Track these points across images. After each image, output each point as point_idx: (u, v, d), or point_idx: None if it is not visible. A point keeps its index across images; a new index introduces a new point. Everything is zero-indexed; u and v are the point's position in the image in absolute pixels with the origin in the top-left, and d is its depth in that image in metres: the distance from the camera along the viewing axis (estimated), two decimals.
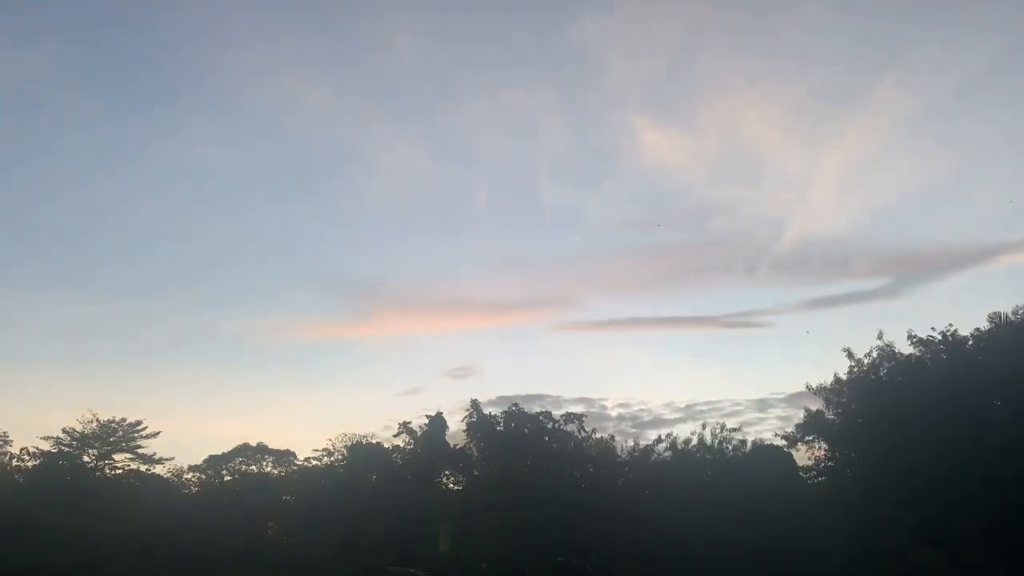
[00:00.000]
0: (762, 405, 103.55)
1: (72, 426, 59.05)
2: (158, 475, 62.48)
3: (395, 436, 59.69)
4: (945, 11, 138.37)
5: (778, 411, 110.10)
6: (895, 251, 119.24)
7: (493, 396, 64.22)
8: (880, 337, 46.64)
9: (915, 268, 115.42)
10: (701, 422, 60.65)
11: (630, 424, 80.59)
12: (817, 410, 48.72)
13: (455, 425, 58.71)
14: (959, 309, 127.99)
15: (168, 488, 62.73)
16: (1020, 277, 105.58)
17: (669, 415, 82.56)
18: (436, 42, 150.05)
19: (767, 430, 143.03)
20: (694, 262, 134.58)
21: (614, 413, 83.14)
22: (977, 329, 45.32)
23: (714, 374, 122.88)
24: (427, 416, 58.92)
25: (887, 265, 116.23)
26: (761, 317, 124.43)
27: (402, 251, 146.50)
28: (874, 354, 46.77)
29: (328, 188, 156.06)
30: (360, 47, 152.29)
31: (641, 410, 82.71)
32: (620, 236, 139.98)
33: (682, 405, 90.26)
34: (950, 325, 45.45)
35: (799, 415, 50.25)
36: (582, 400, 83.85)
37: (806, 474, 53.19)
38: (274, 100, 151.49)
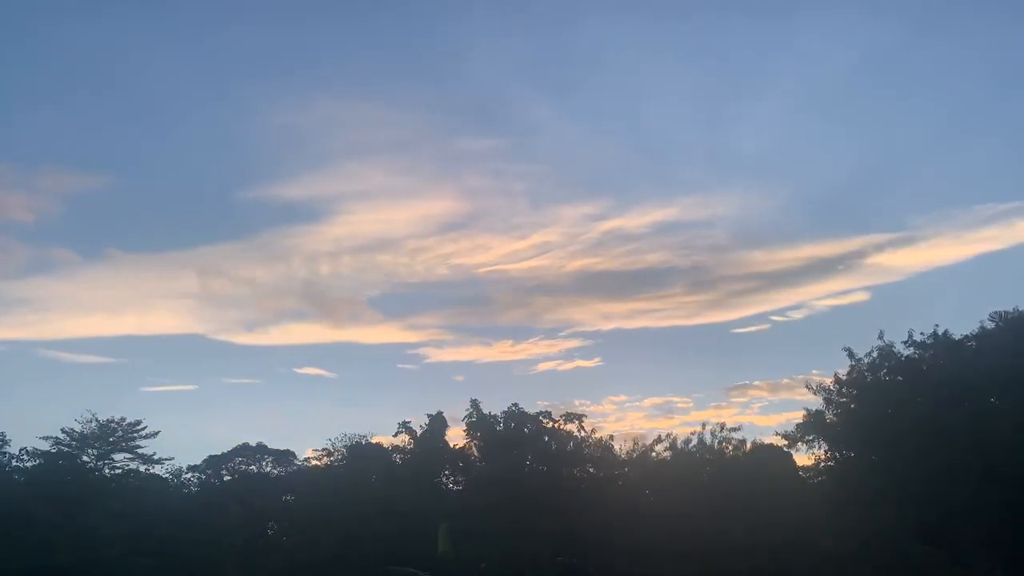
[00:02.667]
0: None
1: (71, 426, 59.16)
2: (158, 475, 62.46)
3: (395, 436, 59.74)
4: None
5: None
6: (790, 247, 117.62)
7: None
8: (881, 337, 46.62)
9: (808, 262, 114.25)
10: None
11: None
12: (817, 410, 48.60)
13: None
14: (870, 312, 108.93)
15: (168, 488, 62.73)
16: (947, 273, 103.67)
17: None
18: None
19: None
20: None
21: None
22: (977, 328, 45.39)
23: None
24: (427, 415, 59.06)
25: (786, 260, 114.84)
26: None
27: None
28: (874, 354, 46.72)
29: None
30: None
31: None
32: None
33: None
34: (937, 326, 45.58)
35: None
36: None
37: (806, 474, 53.18)
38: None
